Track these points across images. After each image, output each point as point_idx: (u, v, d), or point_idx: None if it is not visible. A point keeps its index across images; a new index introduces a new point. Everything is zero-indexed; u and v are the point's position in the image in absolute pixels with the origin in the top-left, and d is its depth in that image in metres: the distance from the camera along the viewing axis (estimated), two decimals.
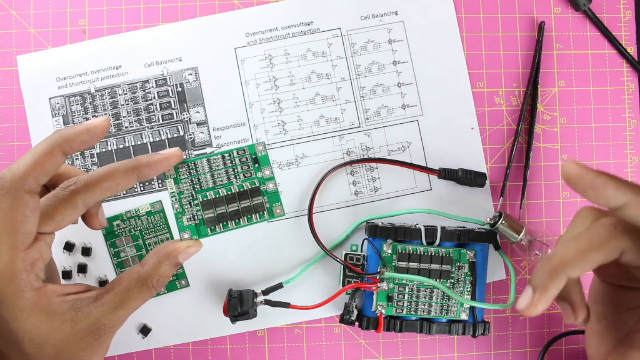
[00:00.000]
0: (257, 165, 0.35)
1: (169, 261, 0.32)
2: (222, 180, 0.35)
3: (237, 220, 0.35)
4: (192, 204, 0.35)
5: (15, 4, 0.41)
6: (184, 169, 0.35)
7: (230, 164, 0.35)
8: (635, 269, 0.27)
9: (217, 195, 0.35)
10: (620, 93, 0.43)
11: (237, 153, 0.35)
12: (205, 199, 0.35)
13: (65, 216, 0.29)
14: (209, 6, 0.42)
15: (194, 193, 0.35)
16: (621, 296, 0.30)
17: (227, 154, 0.35)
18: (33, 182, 0.27)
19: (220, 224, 0.35)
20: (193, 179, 0.35)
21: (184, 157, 0.34)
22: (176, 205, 0.35)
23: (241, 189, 0.35)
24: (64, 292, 0.29)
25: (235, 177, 0.35)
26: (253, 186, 0.35)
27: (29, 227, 0.27)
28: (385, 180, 0.41)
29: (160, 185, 0.41)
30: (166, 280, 0.32)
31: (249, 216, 0.35)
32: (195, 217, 0.35)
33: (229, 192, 0.35)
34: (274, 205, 0.35)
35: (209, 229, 0.35)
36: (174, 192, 0.35)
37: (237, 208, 0.35)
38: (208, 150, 0.41)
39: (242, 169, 0.35)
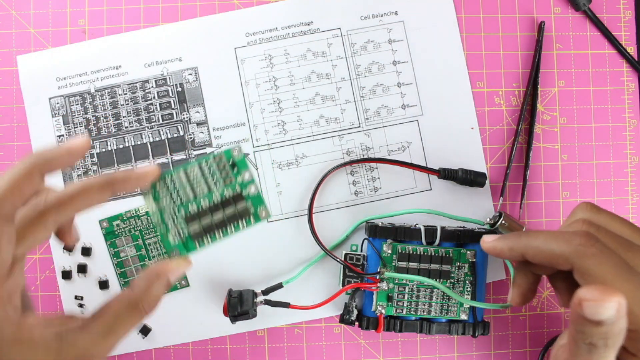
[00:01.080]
0: (235, 170, 0.34)
1: (160, 282, 0.30)
2: (202, 190, 0.33)
3: (224, 229, 0.34)
4: (176, 220, 0.33)
5: (15, 4, 0.41)
6: (161, 184, 0.33)
7: (208, 172, 0.33)
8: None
9: (200, 208, 0.33)
10: (620, 93, 0.43)
11: (214, 159, 0.33)
12: (188, 213, 0.33)
13: (38, 237, 0.27)
14: (209, 6, 0.42)
15: (175, 208, 0.33)
16: None
17: (204, 161, 0.33)
18: (10, 207, 0.25)
19: (208, 236, 0.33)
20: (172, 193, 0.33)
21: (161, 173, 0.32)
22: (159, 225, 0.33)
23: (223, 197, 0.34)
24: (46, 322, 0.27)
25: (216, 185, 0.34)
26: (235, 192, 0.34)
27: (5, 257, 0.25)
28: (385, 180, 0.41)
29: None
30: (157, 302, 0.30)
31: (236, 223, 0.34)
32: (181, 233, 0.33)
33: (211, 203, 0.33)
34: (258, 208, 0.34)
35: (196, 242, 0.33)
36: (154, 210, 0.33)
37: (222, 217, 0.34)
38: (208, 150, 0.41)
39: (221, 175, 0.34)
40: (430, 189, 0.41)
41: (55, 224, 0.28)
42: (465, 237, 0.38)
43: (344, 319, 0.38)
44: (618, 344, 0.25)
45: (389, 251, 0.38)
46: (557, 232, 0.29)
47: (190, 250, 0.33)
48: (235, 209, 0.34)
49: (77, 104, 0.41)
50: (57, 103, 0.41)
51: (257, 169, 0.41)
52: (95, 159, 0.41)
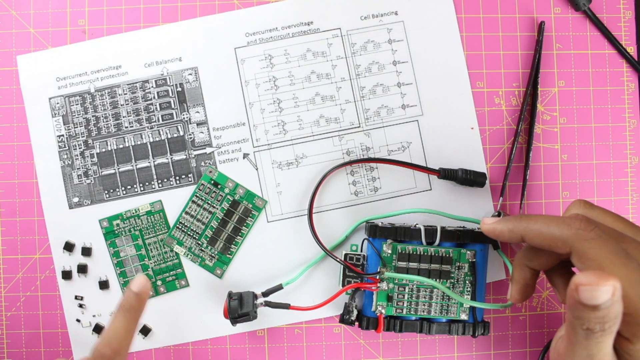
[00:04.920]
0: (219, 186, 0.40)
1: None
2: (207, 217, 0.40)
3: (240, 233, 0.40)
4: (203, 247, 0.40)
5: (15, 4, 0.41)
6: (179, 230, 0.40)
7: (202, 202, 0.40)
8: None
9: (213, 230, 0.40)
10: (620, 93, 0.43)
11: (200, 189, 0.40)
12: (207, 239, 0.40)
13: None
14: (209, 6, 0.42)
15: (197, 241, 0.40)
16: None
17: (195, 196, 0.40)
18: None
19: (232, 245, 0.40)
20: (187, 233, 0.40)
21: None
22: (195, 259, 0.40)
23: (224, 212, 0.40)
24: None
25: (213, 207, 0.40)
26: (230, 202, 0.40)
27: None
28: (385, 180, 0.41)
29: (160, 185, 0.41)
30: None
31: (245, 223, 0.40)
32: (213, 254, 0.40)
33: (219, 221, 0.40)
34: (254, 201, 0.40)
35: (227, 254, 0.40)
36: (185, 251, 0.40)
37: (232, 225, 0.40)
38: (208, 150, 0.41)
39: (211, 197, 0.40)
40: (430, 189, 0.41)
41: None
42: (465, 237, 0.38)
43: (344, 319, 0.38)
44: (615, 328, 0.25)
45: (389, 251, 0.38)
46: (556, 216, 0.30)
47: (227, 261, 0.40)
48: (238, 213, 0.40)
49: (77, 104, 0.41)
50: (57, 103, 0.41)
51: (256, 169, 0.41)
52: (95, 159, 0.41)
